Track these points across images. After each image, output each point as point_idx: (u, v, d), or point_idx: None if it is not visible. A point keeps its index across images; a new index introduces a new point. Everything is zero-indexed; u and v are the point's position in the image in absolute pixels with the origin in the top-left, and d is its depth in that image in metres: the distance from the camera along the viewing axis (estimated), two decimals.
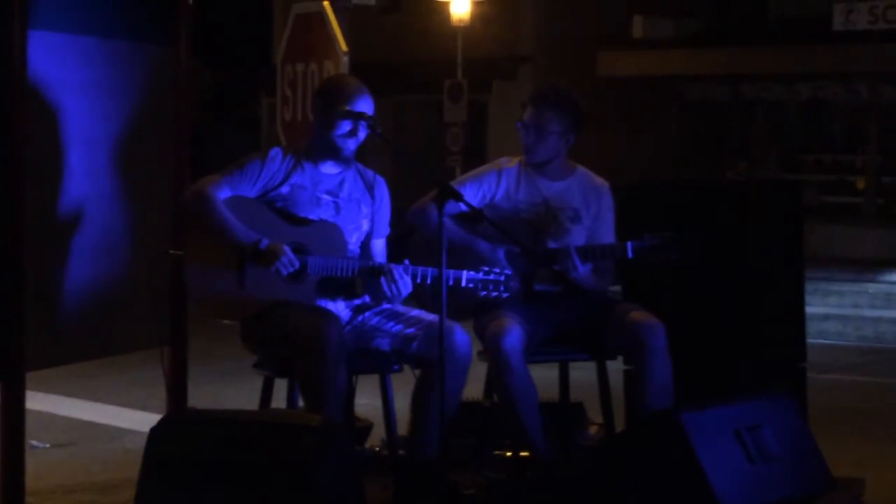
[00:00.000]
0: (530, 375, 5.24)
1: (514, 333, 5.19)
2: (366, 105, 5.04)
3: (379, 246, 5.21)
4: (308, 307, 4.92)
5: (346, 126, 5.02)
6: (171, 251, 5.29)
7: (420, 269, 4.96)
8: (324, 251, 4.98)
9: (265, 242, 4.90)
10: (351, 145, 5.07)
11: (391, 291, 4.95)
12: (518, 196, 5.48)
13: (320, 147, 5.11)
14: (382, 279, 4.95)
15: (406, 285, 4.96)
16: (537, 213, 5.47)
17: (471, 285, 4.97)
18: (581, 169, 5.61)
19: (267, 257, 4.88)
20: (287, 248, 4.89)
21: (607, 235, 5.52)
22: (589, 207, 5.53)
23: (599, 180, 5.63)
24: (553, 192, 5.51)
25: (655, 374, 5.22)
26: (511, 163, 5.56)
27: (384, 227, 5.24)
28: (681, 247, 5.25)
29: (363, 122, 4.99)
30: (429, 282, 4.96)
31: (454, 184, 5.32)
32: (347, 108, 5.00)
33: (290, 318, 4.86)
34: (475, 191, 5.45)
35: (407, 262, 4.97)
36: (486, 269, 5.00)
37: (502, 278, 4.98)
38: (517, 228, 5.37)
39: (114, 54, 5.46)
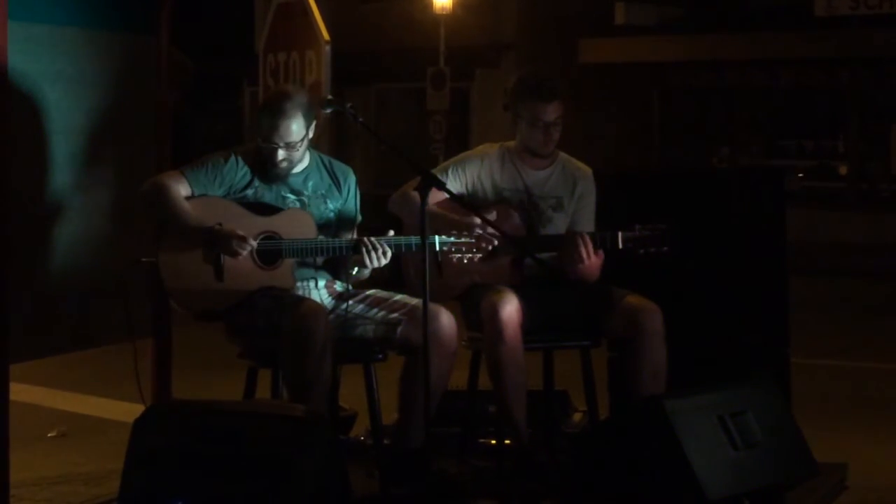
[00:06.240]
0: (523, 352, 5.17)
1: (512, 304, 5.13)
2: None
3: (348, 237, 5.16)
4: (294, 298, 4.90)
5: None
6: (144, 259, 5.21)
7: (394, 239, 4.93)
8: (296, 237, 4.95)
9: (217, 229, 4.85)
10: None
11: (374, 261, 4.90)
12: (501, 184, 5.45)
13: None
14: (363, 249, 4.89)
15: (385, 252, 4.92)
16: (520, 201, 5.45)
17: (444, 248, 4.92)
18: (562, 155, 5.57)
19: (220, 243, 4.84)
20: (243, 234, 4.84)
21: (587, 223, 5.49)
22: (571, 195, 5.51)
23: (582, 165, 5.60)
24: (535, 180, 5.48)
25: (650, 359, 5.20)
26: (492, 149, 5.53)
27: (353, 219, 5.22)
28: (673, 238, 5.22)
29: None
30: (403, 250, 4.93)
31: (435, 171, 5.29)
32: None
33: (275, 309, 4.84)
34: (457, 178, 5.42)
35: (392, 231, 4.96)
36: (456, 232, 4.97)
37: (472, 240, 4.93)
38: (510, 215, 5.36)
39: (95, 44, 5.44)
